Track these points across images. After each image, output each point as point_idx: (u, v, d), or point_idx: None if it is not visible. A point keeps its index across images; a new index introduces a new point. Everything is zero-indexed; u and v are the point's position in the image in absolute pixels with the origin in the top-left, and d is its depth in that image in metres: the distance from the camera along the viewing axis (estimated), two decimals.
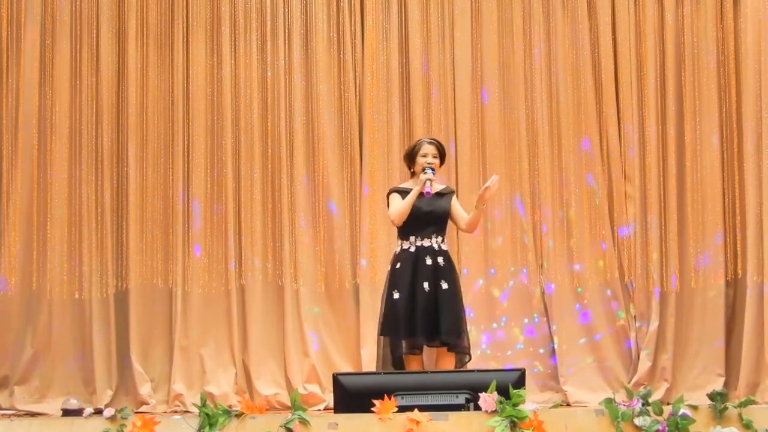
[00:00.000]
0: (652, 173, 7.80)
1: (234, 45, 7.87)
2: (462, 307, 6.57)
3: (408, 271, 6.47)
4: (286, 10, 7.91)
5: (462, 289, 7.59)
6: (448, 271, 6.51)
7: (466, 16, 7.93)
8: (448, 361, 6.45)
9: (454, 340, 6.45)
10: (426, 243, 6.51)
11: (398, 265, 6.51)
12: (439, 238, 6.54)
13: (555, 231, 7.81)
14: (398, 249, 6.57)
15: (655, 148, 7.81)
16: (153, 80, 7.81)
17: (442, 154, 6.64)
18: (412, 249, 6.51)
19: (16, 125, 7.67)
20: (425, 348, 6.56)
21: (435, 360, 6.55)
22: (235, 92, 7.85)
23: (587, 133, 7.86)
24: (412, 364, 6.47)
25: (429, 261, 6.47)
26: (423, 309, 6.40)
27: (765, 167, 7.56)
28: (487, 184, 6.37)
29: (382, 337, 6.53)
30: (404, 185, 6.68)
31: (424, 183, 6.41)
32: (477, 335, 7.68)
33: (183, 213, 7.74)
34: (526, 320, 7.79)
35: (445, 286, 6.44)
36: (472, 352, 7.48)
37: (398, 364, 6.43)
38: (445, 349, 6.46)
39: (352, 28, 7.94)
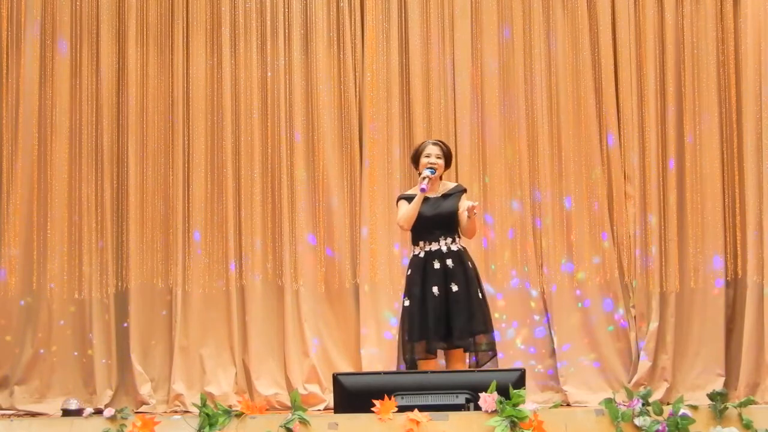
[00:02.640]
0: (652, 173, 7.79)
1: (234, 45, 7.87)
2: (480, 304, 6.52)
3: (418, 277, 6.51)
4: (286, 10, 7.90)
5: None
6: (459, 272, 6.50)
7: (466, 16, 7.93)
8: (461, 362, 6.47)
9: (467, 341, 6.46)
10: (434, 247, 6.52)
11: (410, 272, 6.58)
12: (449, 240, 6.54)
13: (555, 231, 7.81)
14: (411, 255, 6.62)
15: (655, 148, 7.81)
16: (153, 80, 7.81)
17: (447, 156, 6.65)
18: (422, 254, 6.54)
19: (16, 125, 7.67)
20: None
21: (447, 361, 6.57)
22: (235, 92, 7.85)
23: (587, 132, 7.86)
24: (428, 366, 6.49)
25: (437, 265, 6.48)
26: (434, 313, 6.42)
27: (765, 167, 7.56)
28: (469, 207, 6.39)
29: (401, 342, 6.55)
30: (411, 191, 6.70)
31: (421, 180, 6.44)
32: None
33: (183, 213, 7.74)
34: (525, 320, 7.78)
35: (455, 288, 6.45)
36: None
37: (412, 368, 6.45)
38: (461, 349, 6.46)
39: (352, 28, 7.94)
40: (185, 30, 7.85)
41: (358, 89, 7.91)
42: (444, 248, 6.52)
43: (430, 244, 6.54)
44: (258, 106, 7.85)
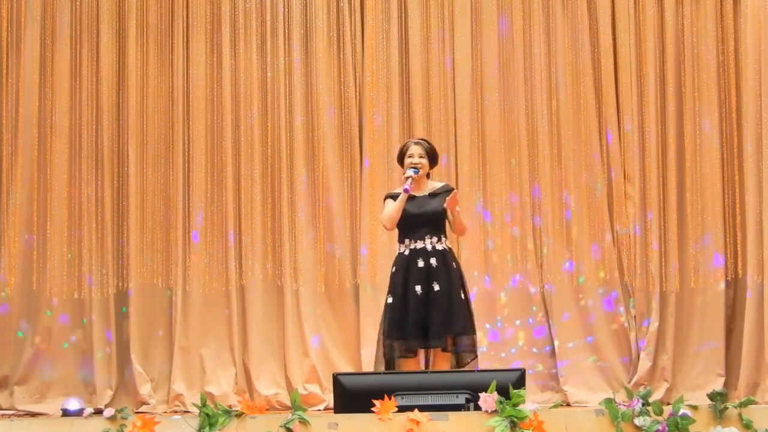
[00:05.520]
0: (652, 173, 7.79)
1: (234, 45, 7.87)
2: (461, 306, 6.47)
3: (401, 275, 6.48)
4: (286, 10, 7.91)
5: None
6: (442, 271, 6.46)
7: (466, 16, 7.93)
8: (444, 362, 6.46)
9: (443, 341, 6.43)
10: (419, 245, 6.49)
11: (394, 269, 6.54)
12: (434, 239, 6.51)
13: (555, 231, 7.81)
14: (397, 253, 6.59)
15: (655, 148, 7.81)
16: (153, 80, 7.82)
17: (430, 154, 6.61)
18: (406, 252, 6.51)
19: (16, 125, 7.68)
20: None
21: (431, 361, 6.56)
22: (235, 92, 7.85)
23: (587, 132, 7.86)
24: (408, 365, 6.47)
25: (421, 263, 6.46)
26: (415, 312, 6.40)
27: (765, 167, 7.56)
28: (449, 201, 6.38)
29: (381, 339, 6.55)
30: (398, 190, 6.67)
31: (405, 179, 6.44)
32: (477, 335, 7.67)
33: (183, 213, 7.75)
34: (526, 320, 7.78)
35: (437, 287, 6.43)
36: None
37: (391, 366, 6.44)
38: (439, 349, 6.46)
39: (352, 28, 7.94)
40: (185, 30, 7.86)
41: (358, 89, 7.91)
42: (429, 247, 6.50)
43: (415, 242, 6.51)
44: (258, 106, 7.85)
